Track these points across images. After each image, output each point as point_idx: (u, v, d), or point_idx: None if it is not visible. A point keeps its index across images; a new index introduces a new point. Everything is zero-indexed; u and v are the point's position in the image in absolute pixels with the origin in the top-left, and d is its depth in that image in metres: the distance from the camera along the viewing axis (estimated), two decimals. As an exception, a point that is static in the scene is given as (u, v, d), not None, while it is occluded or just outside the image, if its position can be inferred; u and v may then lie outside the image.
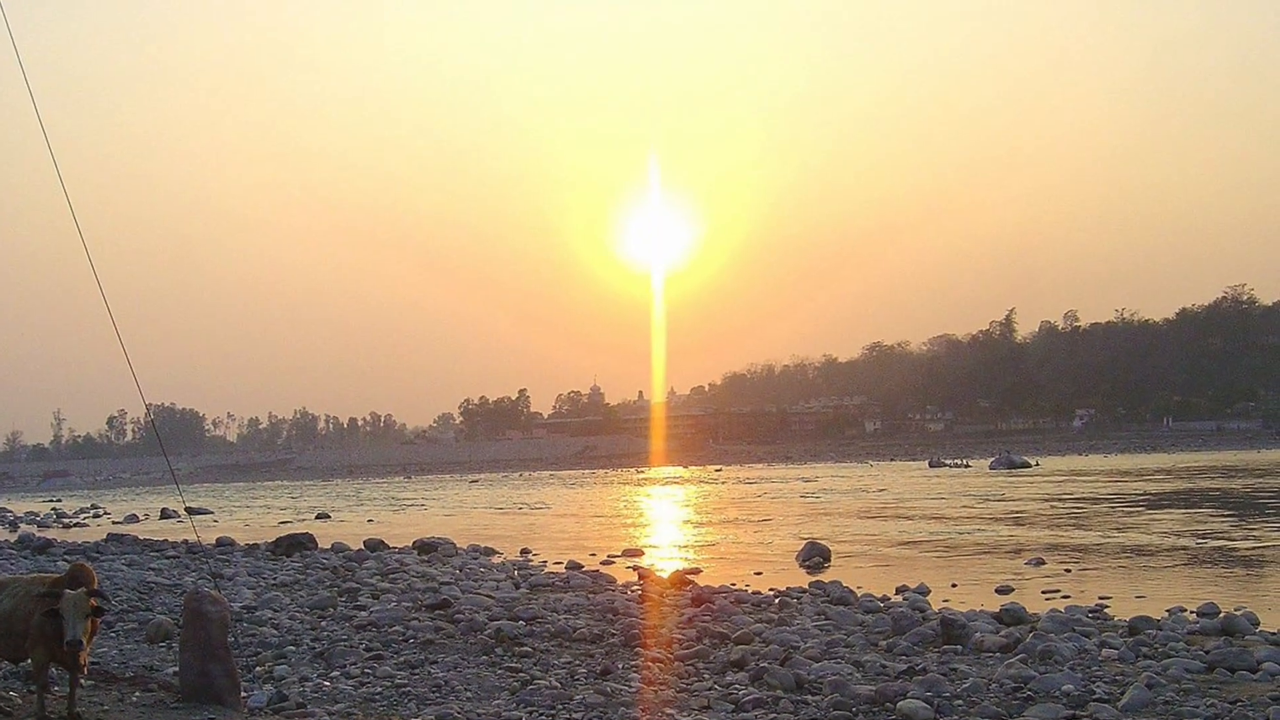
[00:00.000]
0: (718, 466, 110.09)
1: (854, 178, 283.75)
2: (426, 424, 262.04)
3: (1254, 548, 23.74)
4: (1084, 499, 41.25)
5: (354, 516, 48.16)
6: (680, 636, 13.48)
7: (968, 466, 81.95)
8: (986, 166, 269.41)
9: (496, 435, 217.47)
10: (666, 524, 39.00)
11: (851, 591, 17.44)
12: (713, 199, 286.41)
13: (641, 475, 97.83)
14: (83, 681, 9.15)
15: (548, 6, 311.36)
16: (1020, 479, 60.39)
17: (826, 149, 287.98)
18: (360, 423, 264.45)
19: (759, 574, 21.82)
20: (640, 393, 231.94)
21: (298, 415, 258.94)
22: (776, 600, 16.82)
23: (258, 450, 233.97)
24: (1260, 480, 49.66)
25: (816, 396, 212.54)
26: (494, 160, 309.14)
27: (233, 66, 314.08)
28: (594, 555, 26.12)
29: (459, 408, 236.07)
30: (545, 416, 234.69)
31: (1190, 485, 47.86)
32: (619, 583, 19.95)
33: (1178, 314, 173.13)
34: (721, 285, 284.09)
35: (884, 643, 13.05)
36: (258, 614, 15.54)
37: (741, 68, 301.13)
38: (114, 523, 47.18)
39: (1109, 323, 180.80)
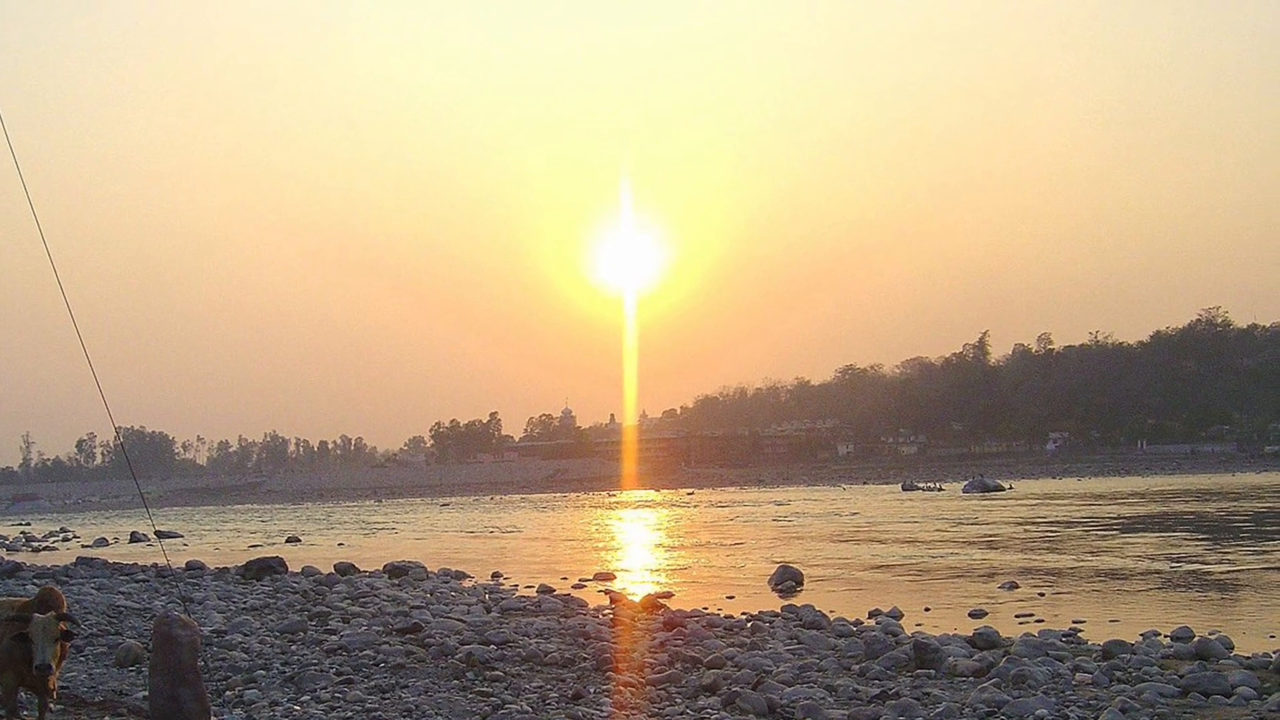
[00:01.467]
0: (690, 490, 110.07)
1: (826, 200, 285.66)
2: (397, 447, 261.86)
3: (1228, 571, 23.82)
4: (1058, 522, 41.38)
5: (324, 540, 47.89)
6: (652, 661, 13.43)
7: (941, 490, 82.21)
8: (959, 189, 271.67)
9: (467, 458, 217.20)
10: (638, 548, 38.89)
11: (824, 615, 17.41)
12: (684, 221, 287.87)
13: (613, 498, 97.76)
14: (52, 706, 9.05)
15: (518, 29, 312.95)
16: (993, 502, 60.55)
17: (799, 171, 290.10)
18: (331, 446, 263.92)
19: (731, 598, 21.79)
20: (612, 416, 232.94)
21: (268, 438, 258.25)
22: (749, 624, 16.77)
23: (228, 473, 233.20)
24: (1234, 504, 49.95)
25: (789, 419, 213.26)
26: (465, 183, 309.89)
27: (202, 88, 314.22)
28: (565, 579, 26.02)
29: (430, 431, 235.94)
30: (516, 439, 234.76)
31: (1164, 509, 48.09)
32: (591, 607, 19.85)
33: (1152, 337, 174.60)
34: (693, 308, 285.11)
35: (857, 667, 13.02)
36: (228, 638, 15.42)
37: (713, 90, 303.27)
38: (83, 546, 46.88)
39: (1083, 345, 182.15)
